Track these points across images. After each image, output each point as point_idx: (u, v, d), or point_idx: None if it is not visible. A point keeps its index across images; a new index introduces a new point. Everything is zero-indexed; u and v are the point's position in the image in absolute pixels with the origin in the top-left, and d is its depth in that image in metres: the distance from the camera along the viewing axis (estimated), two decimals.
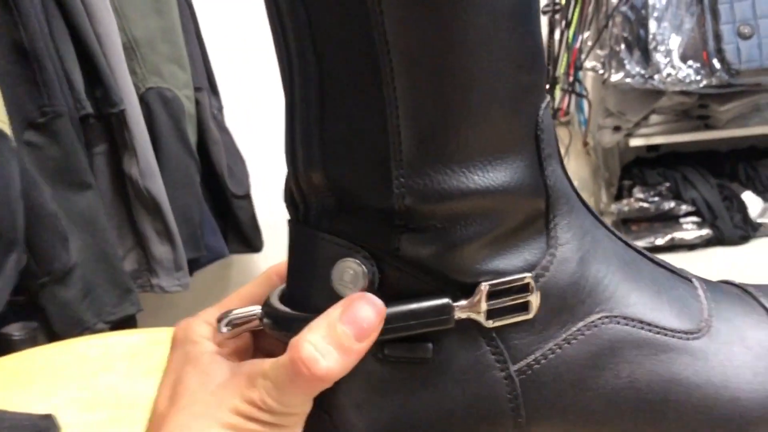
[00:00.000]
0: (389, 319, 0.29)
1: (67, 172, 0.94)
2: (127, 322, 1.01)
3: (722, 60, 1.82)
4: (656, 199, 2.00)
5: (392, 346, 0.29)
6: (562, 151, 1.79)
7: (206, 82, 1.23)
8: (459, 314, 0.29)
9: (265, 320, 0.31)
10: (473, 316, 0.29)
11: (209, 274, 1.33)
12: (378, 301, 0.28)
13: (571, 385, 0.30)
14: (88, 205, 0.95)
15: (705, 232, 1.94)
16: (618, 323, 0.31)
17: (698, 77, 1.86)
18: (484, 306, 0.29)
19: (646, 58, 1.92)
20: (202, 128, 1.20)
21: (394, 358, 0.30)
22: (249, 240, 1.28)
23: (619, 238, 0.33)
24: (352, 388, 0.30)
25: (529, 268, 0.30)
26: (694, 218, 1.98)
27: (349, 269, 0.29)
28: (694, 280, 0.34)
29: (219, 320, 0.31)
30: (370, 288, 0.29)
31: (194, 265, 1.19)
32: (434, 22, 0.26)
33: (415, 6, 0.26)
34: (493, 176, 0.29)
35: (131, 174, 1.05)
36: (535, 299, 0.30)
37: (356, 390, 0.30)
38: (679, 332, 0.31)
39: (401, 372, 0.30)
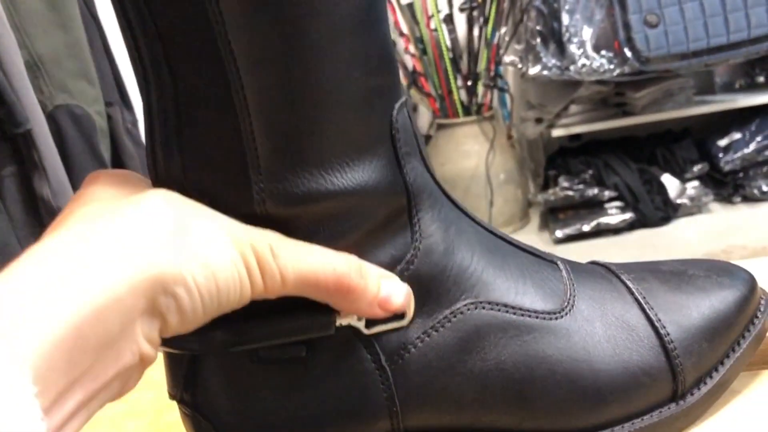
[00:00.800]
0: (273, 334, 0.29)
1: None
2: None
3: (633, 48, 1.89)
4: (581, 186, 2.06)
5: (266, 349, 0.30)
6: (487, 146, 1.82)
7: (118, 96, 1.21)
8: (340, 321, 0.30)
9: None
10: (353, 323, 0.30)
11: None
12: (407, 290, 0.31)
13: (441, 371, 0.31)
14: None
15: (628, 215, 2.00)
16: (483, 308, 0.32)
17: (611, 66, 1.92)
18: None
19: (561, 50, 1.97)
20: (116, 143, 1.18)
21: (269, 359, 0.30)
22: None
23: (485, 228, 0.35)
24: (230, 392, 0.31)
25: (395, 263, 0.31)
26: (618, 203, 2.05)
27: None
28: (558, 262, 0.36)
29: None
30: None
31: None
32: (275, 30, 0.27)
33: (255, 14, 0.26)
34: (352, 177, 0.30)
35: (43, 194, 1.02)
36: (410, 310, 0.31)
37: (234, 394, 0.30)
38: (542, 313, 0.33)
39: (277, 372, 0.30)
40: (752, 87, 2.16)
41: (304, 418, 0.31)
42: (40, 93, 1.06)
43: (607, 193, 2.03)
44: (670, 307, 0.34)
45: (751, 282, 0.36)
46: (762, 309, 0.36)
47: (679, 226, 1.98)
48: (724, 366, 0.35)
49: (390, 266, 0.31)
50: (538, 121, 2.19)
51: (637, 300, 0.34)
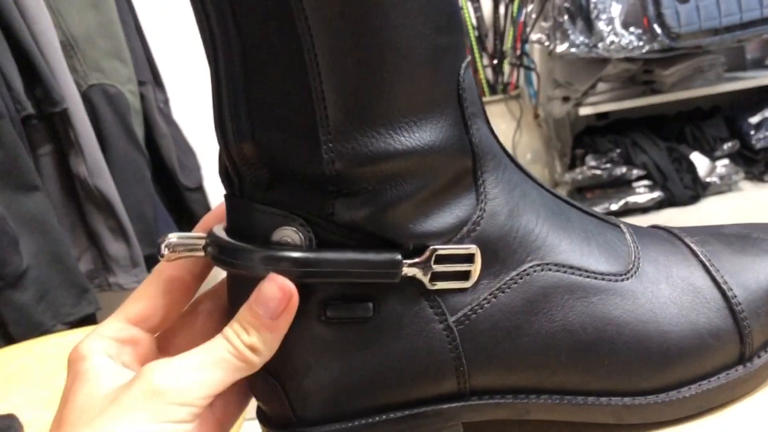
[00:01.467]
0: (341, 262, 0.29)
1: (12, 174, 0.92)
2: (87, 322, 1.00)
3: (662, 25, 1.86)
4: (608, 165, 2.04)
5: (333, 308, 0.30)
6: (514, 125, 1.81)
7: (150, 76, 1.22)
8: (406, 271, 0.30)
9: (210, 248, 0.31)
10: (418, 275, 0.30)
11: None
12: (282, 280, 0.29)
13: (508, 332, 0.31)
14: (37, 206, 0.94)
15: (657, 194, 1.98)
16: (549, 270, 0.32)
17: (640, 43, 1.89)
18: (431, 267, 0.30)
19: (589, 27, 1.95)
20: (148, 122, 1.19)
21: (337, 319, 0.30)
22: None
23: (548, 191, 0.34)
24: (297, 351, 0.31)
25: (461, 225, 0.31)
26: (646, 182, 2.03)
27: (287, 237, 0.30)
28: (621, 225, 0.36)
29: (159, 243, 0.31)
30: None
31: (151, 261, 1.18)
32: None
33: None
34: (419, 136, 0.29)
35: (79, 173, 1.03)
36: (476, 269, 0.31)
37: (302, 353, 0.31)
38: (608, 275, 0.33)
39: (344, 332, 0.31)
40: None
41: (371, 377, 0.31)
42: (75, 72, 1.07)
43: (635, 172, 2.01)
44: (735, 269, 0.34)
45: None
46: None
47: (708, 204, 1.95)
48: None
49: (456, 228, 0.31)
50: (565, 99, 2.17)
51: (702, 262, 0.34)
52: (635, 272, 0.33)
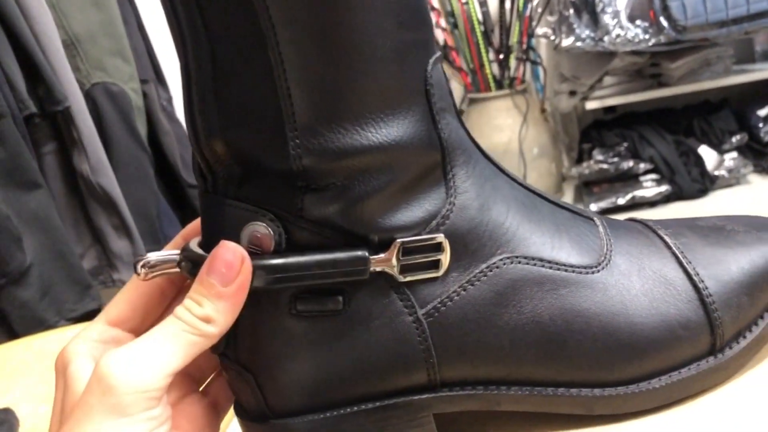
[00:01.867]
0: (309, 265, 0.30)
1: (14, 172, 0.93)
2: (89, 318, 1.01)
3: (669, 17, 1.85)
4: (615, 159, 2.04)
5: (304, 301, 0.31)
6: (520, 119, 1.81)
7: (153, 74, 1.23)
8: (374, 267, 0.30)
9: (183, 264, 0.32)
10: (387, 269, 0.31)
11: None
12: (234, 246, 0.29)
13: (477, 324, 0.31)
14: (40, 204, 0.95)
15: (664, 188, 1.98)
16: (519, 263, 0.32)
17: (647, 36, 1.88)
18: (398, 261, 0.31)
19: (595, 20, 1.94)
20: (151, 120, 1.20)
21: (308, 313, 0.31)
22: None
23: (521, 184, 0.35)
24: (269, 345, 0.31)
25: (431, 218, 0.31)
26: (653, 175, 2.02)
27: (256, 232, 0.30)
28: (595, 218, 0.36)
29: (135, 263, 0.32)
30: (278, 248, 0.30)
31: None
32: None
33: None
34: (386, 132, 0.30)
35: (82, 171, 1.05)
36: (445, 258, 0.31)
37: (274, 346, 0.31)
38: (578, 267, 0.33)
39: (315, 325, 0.31)
40: None
41: (343, 369, 0.31)
42: (77, 71, 1.09)
43: (642, 166, 2.01)
44: (708, 262, 0.34)
45: None
46: None
47: (716, 198, 1.95)
48: (764, 320, 0.34)
49: (425, 221, 0.31)
50: (572, 93, 2.17)
51: (674, 254, 0.34)
52: (606, 264, 0.33)
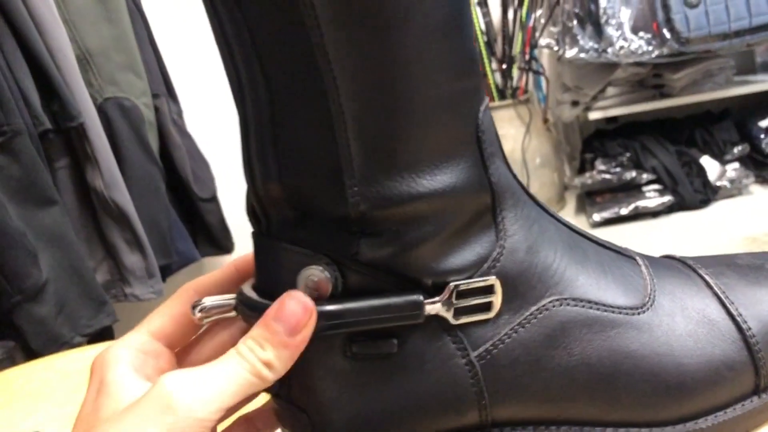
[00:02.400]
0: (365, 311, 0.30)
1: (30, 189, 0.93)
2: (105, 334, 1.01)
3: (672, 29, 1.86)
4: (618, 169, 2.05)
5: (359, 344, 0.31)
6: (523, 129, 1.82)
7: (164, 88, 1.23)
8: (428, 310, 0.31)
9: (240, 308, 0.32)
10: (441, 312, 0.31)
11: (182, 278, 1.34)
12: (305, 298, 0.30)
13: (528, 366, 0.32)
14: (55, 220, 0.95)
15: (667, 198, 1.99)
16: (568, 305, 0.33)
17: (650, 48, 1.90)
18: (452, 304, 0.31)
19: (599, 32, 1.96)
20: (163, 134, 1.20)
21: (362, 355, 0.31)
22: (219, 242, 1.29)
23: (565, 224, 0.35)
24: (325, 386, 0.32)
25: (482, 262, 0.32)
26: (656, 186, 2.03)
27: (313, 276, 0.31)
28: (637, 258, 0.36)
29: (193, 307, 0.33)
30: (334, 291, 0.31)
31: (166, 271, 1.20)
32: (371, 37, 0.28)
33: (352, 25, 0.27)
34: (441, 179, 0.30)
35: (95, 186, 1.05)
36: (497, 300, 0.32)
37: (329, 388, 0.32)
38: (625, 308, 0.33)
39: (369, 367, 0.31)
40: None
41: (396, 410, 0.32)
42: (90, 86, 1.09)
43: (645, 176, 2.02)
44: (750, 302, 0.35)
45: None
46: None
47: (719, 208, 1.96)
48: None
49: (477, 265, 0.32)
50: (575, 104, 2.18)
51: (716, 294, 0.35)
52: (651, 305, 0.34)
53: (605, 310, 0.33)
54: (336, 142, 0.29)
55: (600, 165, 2.05)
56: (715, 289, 0.35)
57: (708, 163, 2.02)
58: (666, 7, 1.86)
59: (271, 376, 0.30)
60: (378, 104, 0.29)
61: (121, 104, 1.11)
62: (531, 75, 2.20)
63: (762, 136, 2.00)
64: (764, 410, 0.34)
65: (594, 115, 2.07)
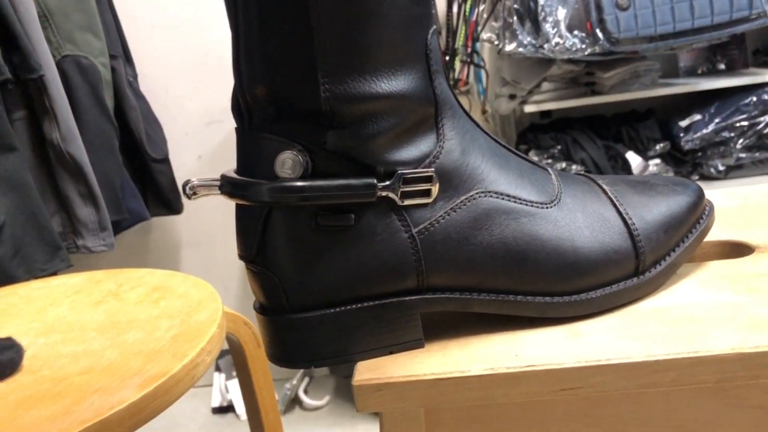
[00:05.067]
0: (330, 188, 0.37)
1: None
2: None
3: (604, 30, 1.98)
4: (549, 161, 2.16)
5: (323, 216, 0.38)
6: None
7: (121, 50, 1.27)
8: (380, 192, 0.38)
9: (225, 187, 0.39)
10: (390, 195, 0.39)
11: (131, 237, 1.37)
12: None
13: (457, 242, 0.40)
14: (14, 166, 0.99)
15: None
16: (491, 197, 0.41)
17: (583, 46, 2.01)
18: (399, 188, 0.39)
19: (536, 28, 2.06)
20: (118, 95, 1.24)
21: (325, 227, 0.38)
22: (169, 203, 1.33)
23: (493, 138, 0.43)
24: (294, 252, 0.39)
25: (424, 157, 0.40)
26: None
27: (288, 159, 0.38)
28: (549, 169, 0.45)
29: (184, 185, 0.39)
30: (305, 173, 0.38)
31: (116, 228, 1.23)
32: None
33: None
34: (396, 84, 0.38)
35: (52, 139, 1.08)
36: (435, 188, 0.40)
37: (297, 254, 0.39)
38: (536, 203, 0.42)
39: (331, 237, 0.39)
40: (713, 72, 2.29)
41: (351, 274, 0.39)
42: (49, 43, 1.12)
43: (574, 168, 2.13)
44: (636, 205, 0.43)
45: (700, 191, 0.46)
46: (706, 213, 0.46)
47: None
48: (675, 253, 0.44)
49: (421, 159, 0.39)
50: (512, 97, 2.28)
51: (610, 199, 0.43)
52: (558, 203, 0.42)
53: (520, 203, 0.41)
54: (313, 48, 0.36)
55: (533, 156, 2.16)
56: (610, 195, 0.44)
57: (632, 157, 2.15)
58: (599, 8, 1.97)
59: None
60: (350, 17, 0.36)
61: (78, 62, 1.14)
62: (472, 68, 2.30)
63: (682, 134, 2.15)
64: (641, 287, 0.43)
65: (529, 109, 2.18)
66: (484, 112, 2.27)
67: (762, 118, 2.07)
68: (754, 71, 2.19)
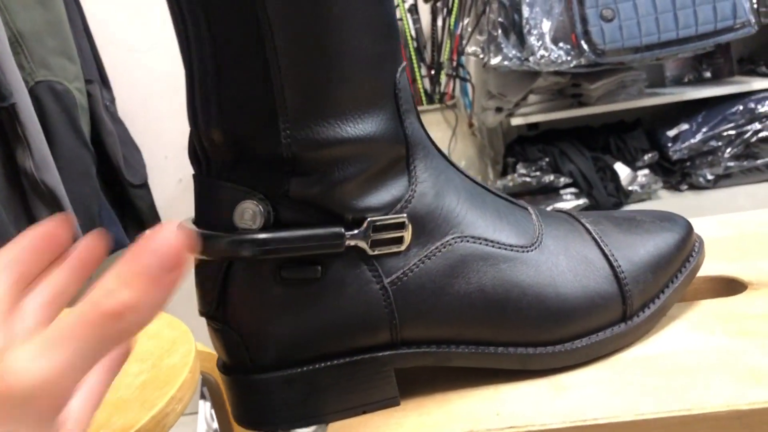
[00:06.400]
0: (294, 239, 0.35)
1: None
2: None
3: (589, 41, 1.97)
4: (537, 173, 2.14)
5: (288, 270, 0.36)
6: (449, 133, 1.89)
7: (97, 75, 1.24)
8: (348, 242, 0.36)
9: None
10: (360, 244, 0.36)
11: (111, 264, 1.34)
12: (179, 230, 0.26)
13: (433, 292, 0.37)
14: None
15: (582, 201, 2.09)
16: (468, 241, 0.38)
17: (569, 58, 2.00)
18: (369, 237, 0.36)
19: (521, 41, 2.05)
20: (95, 120, 1.21)
21: (290, 280, 0.36)
22: (149, 228, 1.30)
23: (468, 177, 0.41)
24: (257, 308, 0.36)
25: (396, 202, 0.37)
26: (572, 189, 2.14)
27: (248, 209, 0.35)
28: (529, 208, 0.42)
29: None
30: (267, 224, 0.35)
31: None
32: (307, 1, 0.32)
33: None
34: (362, 127, 0.35)
35: (26, 167, 1.05)
36: (407, 235, 0.37)
37: (261, 309, 0.36)
38: (516, 247, 0.39)
39: (296, 291, 0.36)
40: (700, 81, 2.28)
41: (318, 329, 0.36)
42: (22, 69, 1.09)
43: (562, 180, 2.12)
44: (621, 245, 0.41)
45: (688, 227, 0.43)
46: (696, 249, 0.43)
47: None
48: (665, 294, 0.42)
49: (391, 204, 0.37)
50: (498, 110, 2.27)
51: (594, 239, 0.41)
52: (539, 245, 0.40)
53: (499, 247, 0.39)
54: (272, 91, 0.34)
55: (521, 168, 2.14)
56: (594, 234, 0.41)
57: (621, 168, 2.14)
58: (584, 20, 1.96)
59: (134, 326, 0.25)
60: (310, 57, 0.33)
61: (53, 87, 1.11)
62: (458, 81, 2.28)
63: (669, 144, 2.14)
64: (629, 334, 0.40)
65: (516, 121, 2.17)
66: (471, 125, 2.26)
67: (749, 127, 2.06)
68: (739, 80, 2.19)
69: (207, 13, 0.33)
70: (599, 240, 0.41)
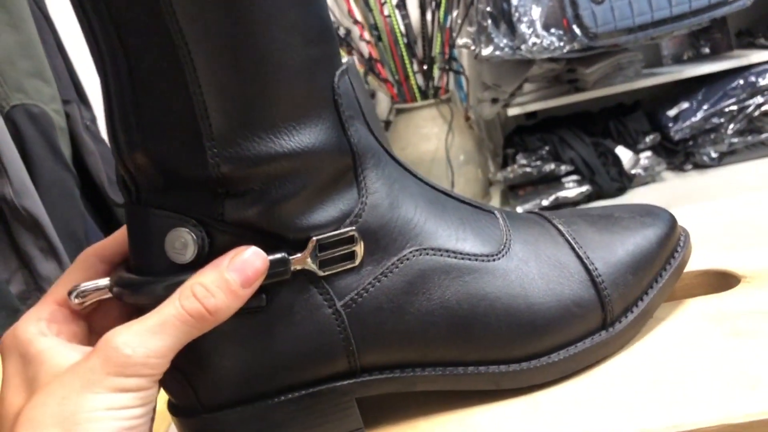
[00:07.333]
0: None
1: None
2: None
3: (581, 25, 1.93)
4: (538, 162, 2.11)
5: None
6: (446, 128, 1.86)
7: (75, 95, 1.21)
8: (295, 266, 0.33)
9: (115, 289, 0.33)
10: (307, 266, 0.33)
11: None
12: (264, 255, 0.32)
13: (391, 312, 0.34)
14: None
15: (585, 188, 2.06)
16: (427, 254, 0.35)
17: (561, 43, 1.96)
18: (316, 257, 0.33)
19: (512, 30, 2.01)
20: (75, 141, 1.18)
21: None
22: None
23: (427, 183, 0.38)
24: (200, 344, 0.33)
25: (344, 217, 0.34)
26: (574, 177, 2.10)
27: (180, 237, 0.32)
28: (495, 211, 0.39)
29: (69, 293, 0.34)
30: (201, 252, 0.32)
31: None
32: (220, 4, 0.29)
33: None
34: (299, 139, 0.32)
35: (5, 194, 1.03)
36: (359, 249, 0.34)
37: (204, 345, 0.33)
38: (481, 256, 0.36)
39: (241, 323, 0.33)
40: (698, 58, 2.23)
41: (269, 362, 0.33)
42: None
43: (563, 168, 2.09)
44: (597, 246, 0.38)
45: (671, 221, 0.40)
46: (681, 244, 0.40)
47: (634, 195, 2.04)
48: (648, 296, 0.38)
49: (340, 220, 0.34)
50: (494, 101, 2.23)
51: (567, 241, 0.38)
52: (506, 252, 0.37)
53: (462, 258, 0.36)
54: (193, 107, 0.31)
55: (521, 159, 2.11)
56: (567, 236, 0.38)
57: (622, 152, 2.10)
58: (574, 4, 1.93)
59: (213, 324, 0.32)
60: (231, 66, 0.30)
61: (29, 111, 1.09)
62: (451, 74, 2.25)
63: (671, 124, 2.10)
64: (610, 343, 0.37)
65: (513, 111, 2.13)
66: (467, 118, 2.22)
67: (751, 101, 2.01)
68: (738, 53, 2.14)
69: (117, 25, 0.30)
70: (573, 241, 0.38)
